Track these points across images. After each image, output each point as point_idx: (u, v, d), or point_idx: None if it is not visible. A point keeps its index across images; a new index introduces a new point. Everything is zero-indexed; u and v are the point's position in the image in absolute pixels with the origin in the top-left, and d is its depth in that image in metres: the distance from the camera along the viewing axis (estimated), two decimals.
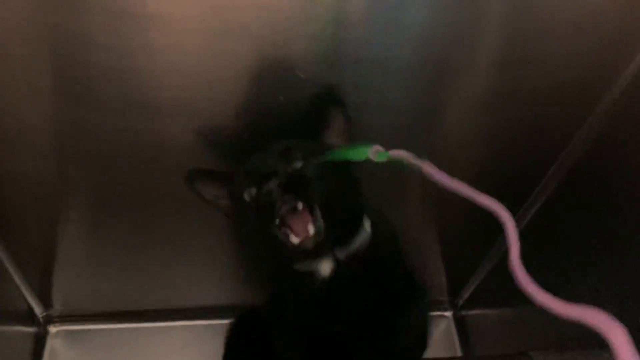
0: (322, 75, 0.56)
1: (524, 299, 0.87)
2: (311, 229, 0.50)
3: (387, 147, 0.60)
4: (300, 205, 0.50)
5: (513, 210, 0.79)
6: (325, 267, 0.57)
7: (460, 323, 1.02)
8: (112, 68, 0.54)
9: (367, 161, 0.50)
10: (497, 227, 0.90)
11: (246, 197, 0.53)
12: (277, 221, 0.50)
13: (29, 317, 0.93)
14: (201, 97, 0.57)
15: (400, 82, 0.59)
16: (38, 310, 0.94)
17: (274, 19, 0.50)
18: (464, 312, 1.02)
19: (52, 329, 0.96)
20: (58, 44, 0.52)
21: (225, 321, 0.94)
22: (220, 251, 0.86)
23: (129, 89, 0.56)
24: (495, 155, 0.71)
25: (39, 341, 0.95)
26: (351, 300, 0.59)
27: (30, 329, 0.93)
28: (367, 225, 0.58)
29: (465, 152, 0.70)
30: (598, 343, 0.37)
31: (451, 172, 0.72)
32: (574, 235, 0.72)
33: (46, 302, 0.94)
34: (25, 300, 0.90)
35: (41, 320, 0.95)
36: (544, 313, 0.75)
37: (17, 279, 0.85)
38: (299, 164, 0.53)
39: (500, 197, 0.78)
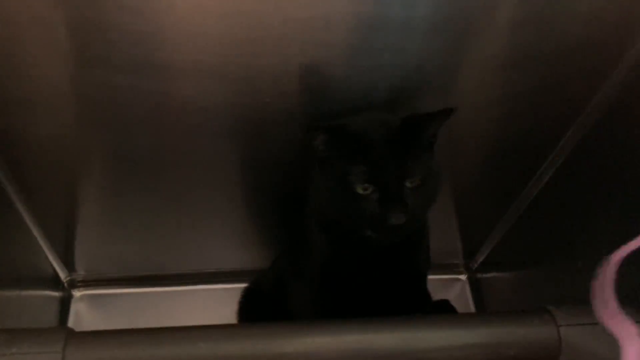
0: (341, 37, 0.57)
1: (538, 262, 0.88)
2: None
3: (405, 109, 0.62)
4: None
5: (530, 172, 0.80)
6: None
7: (475, 286, 1.03)
8: (137, 30, 0.54)
9: None
10: (512, 191, 0.91)
11: (359, 190, 0.56)
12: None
13: (54, 282, 0.95)
14: (225, 58, 0.57)
15: (420, 43, 0.59)
16: (63, 274, 0.96)
17: None
18: (478, 275, 1.03)
19: (76, 293, 0.99)
20: (84, 6, 0.52)
21: (243, 285, 0.97)
22: (240, 216, 0.87)
23: (152, 51, 0.56)
24: (512, 115, 0.71)
25: (64, 305, 0.97)
26: (388, 260, 0.63)
27: (56, 293, 0.96)
28: None
29: (483, 113, 0.70)
30: None
31: (469, 134, 0.73)
32: (589, 197, 0.73)
33: (70, 267, 0.96)
34: (51, 264, 0.92)
35: (65, 284, 0.98)
36: (558, 276, 0.76)
37: (43, 244, 0.87)
38: (414, 181, 0.56)
39: (517, 159, 0.79)
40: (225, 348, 0.51)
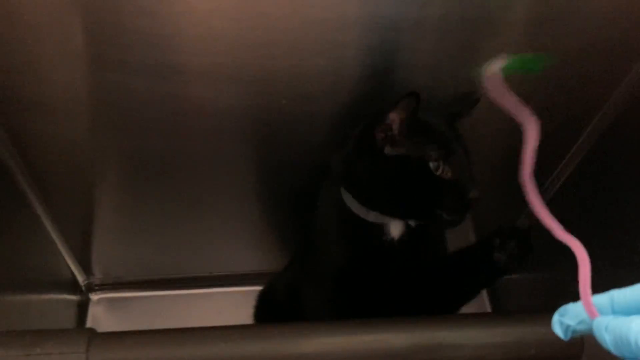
0: (355, 39, 0.57)
1: (556, 261, 0.87)
2: None
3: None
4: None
5: (547, 171, 0.80)
6: (395, 228, 0.62)
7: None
8: (154, 33, 0.54)
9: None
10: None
11: (432, 167, 0.57)
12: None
13: (72, 285, 0.96)
14: (241, 61, 0.57)
15: (434, 42, 0.59)
16: (81, 278, 0.97)
17: None
18: None
19: (94, 297, 1.00)
20: (102, 11, 0.52)
21: (260, 288, 0.98)
22: (255, 219, 0.87)
23: (169, 53, 0.57)
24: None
25: (82, 308, 0.98)
26: (406, 261, 0.64)
27: (74, 297, 0.97)
28: None
29: (500, 113, 0.70)
30: None
31: (485, 134, 0.73)
32: (607, 198, 0.73)
33: (87, 270, 0.97)
34: (69, 268, 0.93)
35: (83, 288, 0.99)
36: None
37: (62, 248, 0.88)
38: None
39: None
40: (246, 348, 0.51)
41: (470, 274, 0.65)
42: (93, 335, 0.50)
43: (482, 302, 1.02)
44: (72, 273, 0.95)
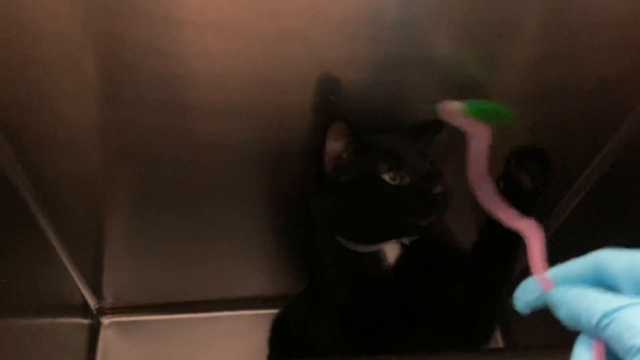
0: (366, 75, 0.58)
1: None
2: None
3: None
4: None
5: (557, 197, 0.80)
6: (391, 253, 0.62)
7: (502, 312, 1.02)
8: (169, 73, 0.56)
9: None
10: (539, 215, 0.90)
11: (387, 178, 0.56)
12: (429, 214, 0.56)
13: (84, 309, 0.97)
14: (254, 97, 0.59)
15: (441, 80, 0.60)
16: (92, 302, 0.98)
17: (327, 22, 0.51)
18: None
19: (105, 321, 1.00)
20: (119, 51, 0.54)
21: (270, 311, 0.98)
22: (264, 243, 0.88)
23: (183, 92, 0.58)
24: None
25: (93, 332, 0.99)
26: (410, 286, 0.62)
27: (85, 321, 0.97)
28: None
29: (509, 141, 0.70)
30: None
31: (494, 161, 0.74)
32: (618, 224, 0.73)
33: (99, 295, 0.98)
34: (81, 293, 0.94)
35: (95, 312, 0.99)
36: None
37: (74, 273, 0.88)
38: (432, 161, 0.59)
39: None
40: None
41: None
42: None
43: (494, 338, 1.01)
44: (83, 297, 0.96)
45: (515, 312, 0.99)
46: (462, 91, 0.60)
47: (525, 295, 0.37)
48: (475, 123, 0.54)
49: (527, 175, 0.59)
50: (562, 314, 0.34)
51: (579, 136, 0.68)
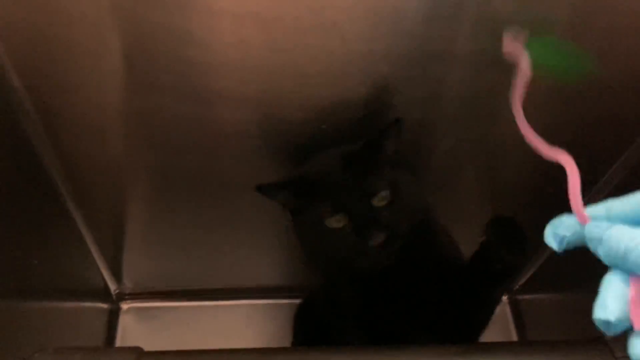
0: (400, 69, 0.58)
1: (587, 286, 0.86)
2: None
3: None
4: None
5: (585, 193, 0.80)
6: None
7: (516, 307, 1.03)
8: (204, 62, 0.56)
9: None
10: (556, 213, 0.90)
11: (333, 224, 0.57)
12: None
13: (104, 294, 0.98)
14: (288, 88, 0.59)
15: (471, 76, 0.60)
16: (112, 287, 0.99)
17: (364, 16, 0.52)
18: (519, 297, 1.03)
19: (124, 306, 1.02)
20: (152, 39, 0.54)
21: (287, 301, 0.99)
22: (282, 233, 0.89)
23: (217, 82, 0.59)
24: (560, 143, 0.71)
25: (113, 317, 1.00)
26: (403, 279, 0.63)
27: (105, 305, 0.99)
28: None
29: (524, 147, 0.70)
30: None
31: (512, 163, 0.74)
32: None
33: (119, 280, 0.99)
34: (102, 277, 0.95)
35: (114, 297, 1.01)
36: None
37: (97, 257, 0.90)
38: (383, 198, 0.56)
39: (561, 186, 0.79)
40: None
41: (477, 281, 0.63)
42: (140, 354, 0.51)
43: (505, 324, 1.02)
44: (104, 282, 0.97)
45: (530, 307, 0.98)
46: (496, 86, 0.60)
47: (561, 231, 0.37)
48: (524, 58, 0.51)
49: (505, 246, 0.58)
50: (601, 249, 0.33)
51: (606, 135, 0.69)
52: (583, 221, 0.35)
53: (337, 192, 0.57)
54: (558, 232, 0.37)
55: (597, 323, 0.33)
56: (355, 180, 0.57)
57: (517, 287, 1.03)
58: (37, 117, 0.63)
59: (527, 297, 1.01)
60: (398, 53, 0.56)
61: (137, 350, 0.52)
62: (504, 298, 1.04)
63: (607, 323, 0.32)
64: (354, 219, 0.56)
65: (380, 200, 0.56)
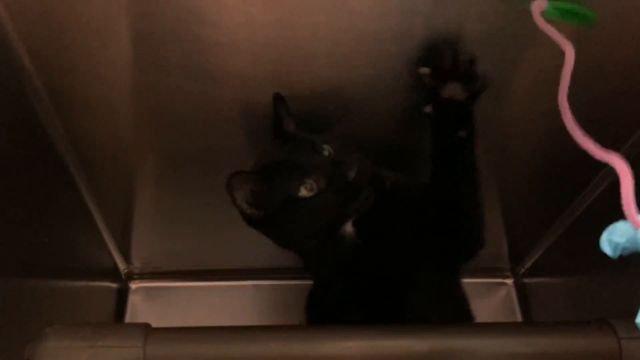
0: (409, 48, 0.58)
1: (592, 269, 0.86)
2: None
3: None
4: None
5: (587, 178, 0.79)
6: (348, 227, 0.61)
7: (522, 291, 1.03)
8: (213, 41, 0.57)
9: None
10: (566, 196, 0.90)
11: (305, 193, 0.56)
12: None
13: (114, 273, 1.00)
14: (295, 69, 0.59)
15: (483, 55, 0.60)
16: (121, 266, 1.00)
17: None
18: (525, 280, 1.03)
19: (133, 285, 1.03)
20: (162, 17, 0.55)
21: (294, 282, 1.00)
22: None
23: (226, 61, 0.59)
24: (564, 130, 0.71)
25: (121, 297, 1.01)
26: (383, 240, 0.63)
27: (114, 285, 1.00)
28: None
29: (538, 123, 0.70)
30: None
31: (521, 142, 0.74)
32: None
33: (128, 259, 1.00)
34: (112, 257, 0.96)
35: (123, 276, 1.02)
36: (612, 284, 0.75)
37: (106, 236, 0.91)
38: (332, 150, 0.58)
39: (573, 166, 0.78)
40: (296, 348, 0.53)
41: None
42: (149, 330, 0.52)
43: (511, 307, 1.02)
44: (114, 261, 0.98)
45: (536, 291, 0.98)
46: (510, 64, 0.60)
47: (615, 237, 0.37)
48: (566, 42, 0.50)
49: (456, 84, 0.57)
50: None
51: (617, 113, 0.68)
52: (637, 226, 0.35)
53: (297, 161, 0.57)
54: (612, 239, 0.37)
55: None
56: (304, 142, 0.59)
57: (523, 270, 1.03)
58: (47, 96, 0.64)
59: (532, 280, 1.02)
60: (406, 32, 0.55)
61: (146, 327, 0.52)
62: (510, 282, 1.05)
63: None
64: (324, 175, 0.56)
65: (332, 146, 0.58)
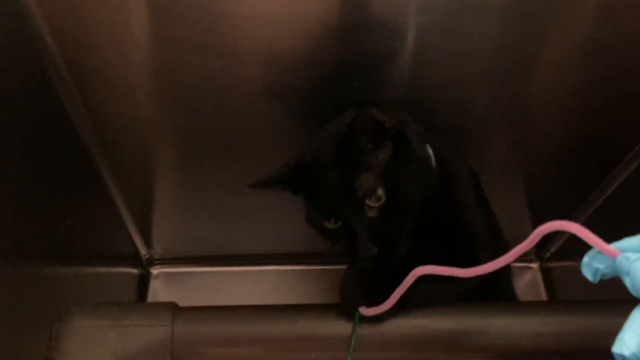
0: (437, 21, 0.56)
1: None
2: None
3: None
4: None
5: (616, 159, 0.78)
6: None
7: (547, 275, 1.02)
8: (236, 16, 0.56)
9: None
10: (592, 180, 0.88)
11: (329, 225, 0.56)
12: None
13: (135, 259, 0.99)
14: (321, 44, 0.58)
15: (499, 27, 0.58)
16: (143, 252, 1.00)
17: None
18: (551, 264, 1.01)
19: (154, 271, 1.03)
20: None
21: (313, 267, 0.99)
22: None
23: (248, 38, 0.58)
24: (597, 105, 0.69)
25: (143, 282, 1.01)
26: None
27: (136, 270, 1.00)
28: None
29: (566, 102, 0.69)
30: None
31: (547, 123, 0.72)
32: None
33: (149, 245, 1.00)
34: (133, 242, 0.96)
35: (144, 262, 1.02)
36: None
37: (128, 222, 0.91)
38: (374, 199, 0.52)
39: (601, 148, 0.77)
40: (322, 326, 0.52)
41: None
42: (176, 309, 0.52)
43: (537, 291, 1.01)
44: (135, 247, 0.98)
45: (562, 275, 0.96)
46: (533, 40, 0.59)
47: (595, 263, 0.37)
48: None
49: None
50: (628, 281, 0.34)
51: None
52: (611, 255, 0.35)
53: (328, 195, 0.53)
54: (592, 264, 0.37)
55: (615, 356, 0.33)
56: (347, 176, 0.52)
57: (548, 254, 1.01)
58: (68, 75, 0.63)
59: (558, 264, 1.00)
60: (434, 4, 0.54)
61: (174, 306, 0.52)
62: (535, 265, 1.03)
63: (622, 357, 0.32)
64: (346, 225, 0.54)
65: (371, 203, 0.52)
